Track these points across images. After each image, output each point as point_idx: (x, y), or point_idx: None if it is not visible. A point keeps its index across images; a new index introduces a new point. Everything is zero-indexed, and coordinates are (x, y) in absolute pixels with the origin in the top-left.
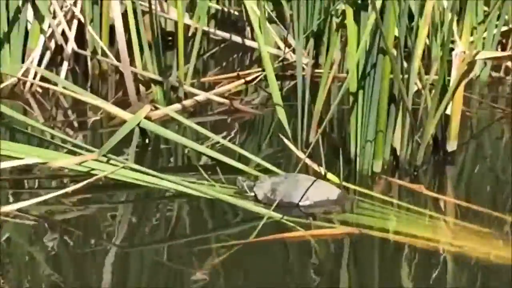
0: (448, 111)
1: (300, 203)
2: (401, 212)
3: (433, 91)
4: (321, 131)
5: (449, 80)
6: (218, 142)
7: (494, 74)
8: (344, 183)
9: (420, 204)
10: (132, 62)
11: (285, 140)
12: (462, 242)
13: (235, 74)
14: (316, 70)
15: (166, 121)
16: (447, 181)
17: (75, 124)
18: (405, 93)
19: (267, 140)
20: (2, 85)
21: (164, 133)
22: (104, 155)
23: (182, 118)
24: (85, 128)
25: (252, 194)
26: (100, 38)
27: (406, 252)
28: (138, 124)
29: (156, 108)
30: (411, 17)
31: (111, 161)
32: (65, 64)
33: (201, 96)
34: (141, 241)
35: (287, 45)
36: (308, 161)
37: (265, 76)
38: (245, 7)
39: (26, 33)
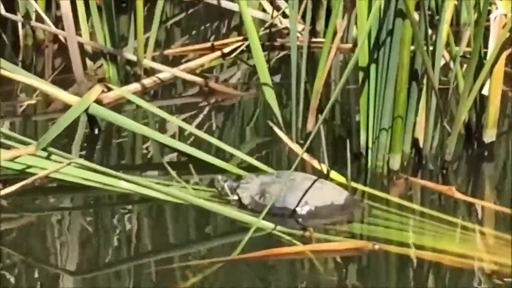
0: (484, 91)
1: (298, 210)
2: (425, 221)
3: (466, 65)
4: (322, 118)
5: (485, 52)
6: (189, 133)
7: None
8: (353, 184)
9: (450, 211)
10: (76, 30)
11: (276, 130)
12: (503, 259)
13: (208, 44)
14: (314, 39)
15: (120, 106)
16: (484, 182)
17: (2, 109)
18: (430, 67)
19: (252, 130)
20: None
21: (121, 121)
22: (44, 149)
23: (143, 102)
24: (14, 114)
25: (235, 197)
26: None
27: (432, 272)
28: (86, 110)
29: (109, 89)
30: None
31: (53, 157)
32: None
33: (166, 73)
34: (93, 262)
35: (275, 7)
36: (305, 156)
37: (248, 47)
38: None
39: None
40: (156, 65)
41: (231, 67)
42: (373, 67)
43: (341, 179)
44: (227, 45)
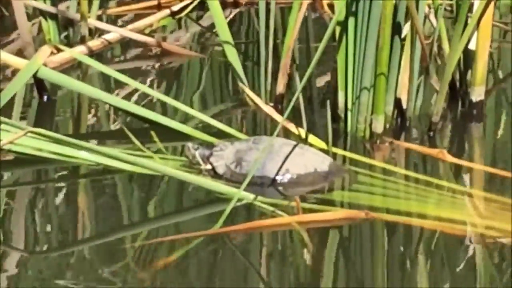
0: (471, 46)
1: (278, 178)
2: (418, 187)
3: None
4: (304, 82)
5: (471, 4)
6: (150, 99)
7: None
8: (334, 149)
9: (442, 176)
10: None
11: (249, 92)
12: (500, 223)
13: (154, 2)
14: None
15: (65, 71)
16: (474, 144)
17: None
18: (416, 17)
19: (216, 93)
20: None
21: (76, 86)
22: None
23: (99, 64)
24: None
25: (208, 166)
26: None
27: (431, 239)
28: (35, 74)
29: (58, 51)
30: None
31: (4, 127)
32: None
33: (113, 33)
34: (64, 240)
35: None
36: (279, 118)
37: (200, 5)
38: None
39: None
40: (103, 25)
41: (181, 28)
42: (351, 21)
43: (321, 144)
44: (174, 2)
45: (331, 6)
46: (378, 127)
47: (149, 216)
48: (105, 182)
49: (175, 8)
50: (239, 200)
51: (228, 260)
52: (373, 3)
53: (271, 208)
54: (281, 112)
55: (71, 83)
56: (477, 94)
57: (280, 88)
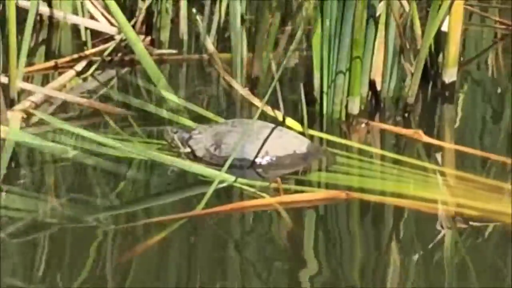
0: (443, 28)
1: (258, 160)
2: (395, 167)
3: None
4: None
5: None
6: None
7: None
8: (311, 131)
9: (418, 156)
10: None
11: (224, 75)
12: (483, 204)
13: (51, 63)
14: None
15: None
16: (447, 124)
17: None
18: None
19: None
20: None
21: None
22: None
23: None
24: None
25: (188, 150)
26: None
27: (412, 219)
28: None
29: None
30: None
31: None
32: None
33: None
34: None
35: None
36: (257, 101)
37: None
38: None
39: None
40: (32, 87)
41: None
42: (326, 4)
43: (297, 126)
44: (71, 63)
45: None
46: (354, 108)
47: (129, 199)
48: (83, 165)
49: (78, 68)
50: (220, 182)
51: (210, 242)
52: None
53: (252, 190)
54: (257, 95)
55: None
56: (449, 75)
57: (256, 70)
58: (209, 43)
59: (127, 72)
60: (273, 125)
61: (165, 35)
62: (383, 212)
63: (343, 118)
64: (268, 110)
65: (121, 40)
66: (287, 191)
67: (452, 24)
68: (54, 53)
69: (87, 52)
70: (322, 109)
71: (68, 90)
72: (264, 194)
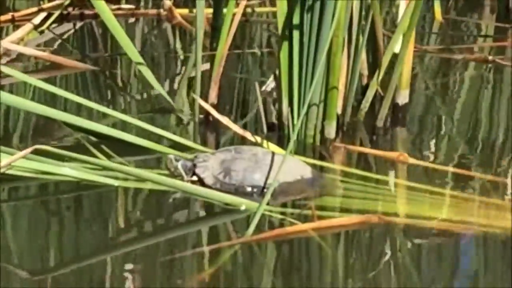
0: (396, 49)
1: (269, 187)
2: (402, 190)
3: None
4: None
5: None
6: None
7: None
8: (300, 157)
9: (414, 179)
10: None
11: (201, 102)
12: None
13: (8, 16)
14: None
15: None
16: (414, 145)
17: None
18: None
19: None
20: None
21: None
22: None
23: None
24: None
25: (194, 178)
26: None
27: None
28: None
29: None
30: None
31: None
32: None
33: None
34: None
35: None
36: (237, 128)
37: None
38: None
39: None
40: None
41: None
42: (296, 28)
43: (281, 152)
44: (30, 15)
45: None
46: (331, 132)
47: (163, 229)
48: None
49: (36, 21)
50: (247, 210)
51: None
52: (325, 12)
53: (280, 216)
54: (215, 123)
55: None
56: (402, 97)
57: (213, 97)
58: None
59: (84, 26)
60: (272, 151)
61: None
62: (418, 234)
63: (317, 142)
64: (247, 135)
65: None
66: (312, 217)
67: (404, 46)
68: (8, 9)
69: (44, 6)
70: (293, 134)
71: (26, 43)
72: (294, 220)
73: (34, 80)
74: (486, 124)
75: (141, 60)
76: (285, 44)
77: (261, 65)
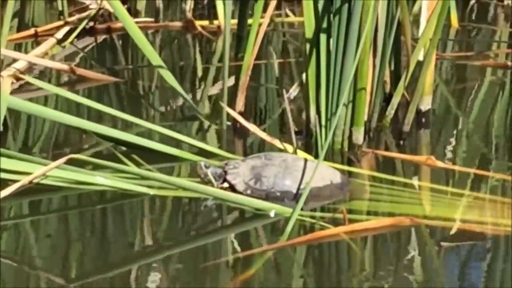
0: (420, 57)
1: (300, 192)
2: (431, 194)
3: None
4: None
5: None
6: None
7: None
8: (328, 163)
9: (442, 182)
10: None
11: (229, 110)
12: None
13: (31, 31)
14: None
15: None
16: (438, 149)
17: None
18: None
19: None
20: None
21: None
22: None
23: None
24: None
25: (225, 184)
26: None
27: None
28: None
29: (17, 79)
30: None
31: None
32: None
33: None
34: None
35: None
36: (265, 135)
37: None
38: None
39: None
40: (14, 54)
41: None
42: (323, 37)
43: (310, 158)
44: (50, 30)
45: (203, 27)
46: (359, 138)
47: (196, 236)
48: (125, 206)
49: (59, 35)
50: (279, 215)
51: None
52: (352, 18)
53: (312, 220)
54: (242, 131)
55: (47, 112)
56: (425, 103)
57: (240, 106)
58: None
59: (104, 40)
60: (303, 158)
61: (141, 4)
62: (454, 236)
63: (345, 148)
64: (276, 142)
65: (99, 9)
66: (350, 221)
67: (428, 53)
68: (27, 25)
69: (68, 20)
70: (321, 139)
71: (50, 57)
72: (327, 224)
73: (65, 92)
74: (507, 127)
75: (166, 70)
76: (313, 51)
77: (282, 75)
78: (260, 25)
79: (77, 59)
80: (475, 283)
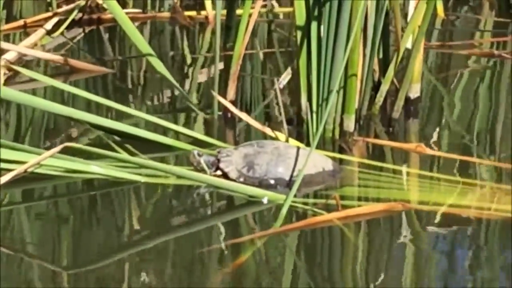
0: (408, 45)
1: (293, 179)
2: (424, 181)
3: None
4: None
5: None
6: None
7: None
8: (319, 151)
9: (431, 169)
10: None
11: (220, 99)
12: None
13: (20, 22)
14: None
15: None
16: (427, 136)
17: None
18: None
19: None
20: None
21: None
22: None
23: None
24: None
25: (218, 172)
26: None
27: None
28: None
29: (10, 70)
30: None
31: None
32: None
33: (12, 53)
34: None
35: None
36: (256, 124)
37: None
38: None
39: None
40: (6, 45)
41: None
42: (314, 25)
43: (301, 146)
44: (40, 21)
45: (191, 18)
46: (350, 126)
47: (191, 222)
48: (122, 194)
49: (48, 26)
50: (272, 202)
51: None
52: (343, 6)
53: (306, 207)
54: (233, 120)
55: (40, 102)
56: (414, 91)
57: (231, 95)
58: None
59: (92, 31)
60: (295, 145)
61: None
62: (442, 221)
63: (337, 136)
64: (267, 130)
65: (87, 0)
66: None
67: (416, 41)
68: (15, 17)
69: (58, 11)
70: (312, 127)
71: (39, 48)
72: (320, 211)
73: (59, 83)
74: (491, 115)
75: (156, 58)
76: (303, 40)
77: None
78: (250, 15)
79: (64, 50)
80: (465, 265)
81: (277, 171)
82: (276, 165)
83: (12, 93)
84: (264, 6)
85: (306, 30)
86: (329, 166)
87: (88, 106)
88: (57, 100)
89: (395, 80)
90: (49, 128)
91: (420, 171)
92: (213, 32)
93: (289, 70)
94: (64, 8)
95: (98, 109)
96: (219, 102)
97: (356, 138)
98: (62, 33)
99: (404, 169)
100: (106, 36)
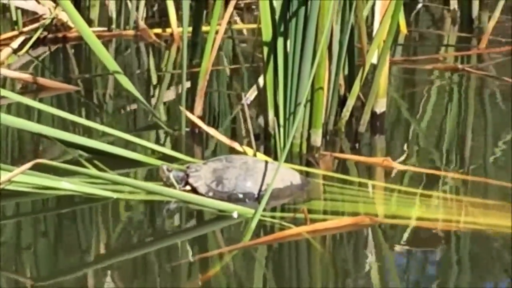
0: (374, 60)
1: (262, 193)
2: (391, 194)
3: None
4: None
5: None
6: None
7: None
8: (289, 165)
9: (398, 182)
10: None
11: (189, 115)
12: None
13: None
14: None
15: None
16: (393, 151)
17: None
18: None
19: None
20: None
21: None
22: None
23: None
24: None
25: (187, 187)
26: None
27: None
28: None
29: None
30: None
31: None
32: None
33: None
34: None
35: None
36: (224, 138)
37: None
38: None
39: None
40: None
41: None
42: (280, 41)
43: (268, 159)
44: (5, 40)
45: (156, 35)
46: (317, 140)
47: (159, 237)
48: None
49: (14, 45)
50: (241, 216)
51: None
52: (309, 22)
53: (275, 221)
54: (200, 135)
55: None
56: (380, 106)
57: (198, 110)
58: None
59: (58, 49)
60: (263, 160)
61: (94, 13)
62: (410, 234)
63: (304, 151)
64: (236, 145)
65: (53, 19)
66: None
67: (382, 56)
68: None
69: (24, 30)
70: (279, 142)
71: (6, 66)
72: (289, 224)
73: (30, 101)
74: (457, 129)
75: (124, 77)
76: (270, 55)
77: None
78: (216, 32)
79: (31, 69)
80: (434, 277)
81: (245, 186)
82: (245, 179)
83: None
84: (229, 22)
85: (272, 45)
86: (297, 180)
87: (58, 124)
88: (23, 118)
89: (361, 95)
90: (14, 145)
91: (387, 185)
92: (179, 49)
93: (255, 86)
94: (30, 26)
95: (67, 127)
96: (186, 118)
97: (324, 152)
98: (27, 52)
99: (372, 183)
100: (72, 54)
